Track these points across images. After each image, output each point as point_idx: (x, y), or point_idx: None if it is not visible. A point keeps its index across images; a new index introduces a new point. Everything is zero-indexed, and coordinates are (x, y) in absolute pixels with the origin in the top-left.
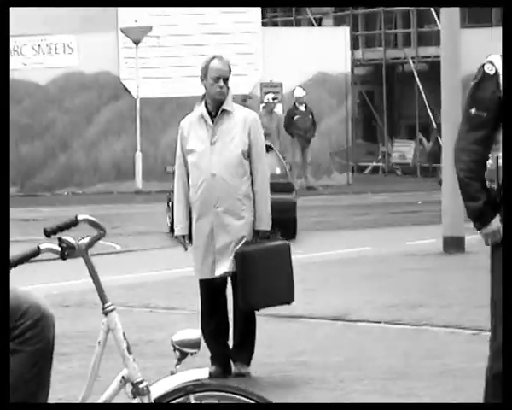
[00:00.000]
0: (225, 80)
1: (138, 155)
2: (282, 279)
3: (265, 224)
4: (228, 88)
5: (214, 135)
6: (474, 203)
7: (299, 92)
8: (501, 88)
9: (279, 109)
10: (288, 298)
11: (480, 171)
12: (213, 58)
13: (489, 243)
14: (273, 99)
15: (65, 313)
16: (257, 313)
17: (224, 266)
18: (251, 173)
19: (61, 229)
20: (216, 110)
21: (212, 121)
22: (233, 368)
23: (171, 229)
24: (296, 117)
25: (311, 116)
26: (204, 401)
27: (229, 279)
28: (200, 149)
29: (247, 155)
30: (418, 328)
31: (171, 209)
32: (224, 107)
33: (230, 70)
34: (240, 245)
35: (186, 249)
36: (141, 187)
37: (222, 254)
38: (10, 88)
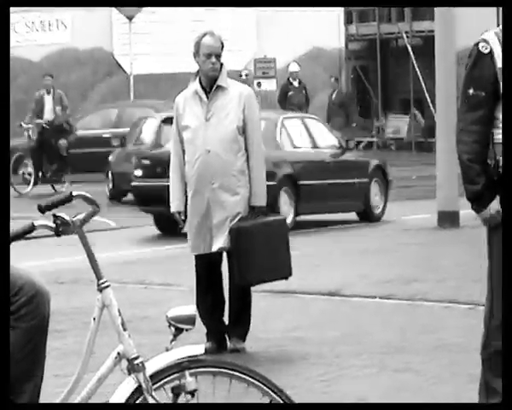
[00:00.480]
0: (217, 56)
1: None
2: (279, 254)
3: (261, 199)
4: (221, 64)
5: (209, 111)
6: (472, 186)
7: (294, 67)
8: (497, 65)
9: (273, 85)
10: (284, 273)
11: (481, 151)
12: (205, 34)
13: (487, 224)
14: (246, 75)
15: (60, 290)
16: (252, 288)
17: (220, 242)
18: (246, 149)
19: (55, 205)
20: (210, 86)
21: (207, 97)
22: (228, 344)
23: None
24: (290, 93)
25: (304, 91)
26: (199, 378)
27: (224, 255)
28: (194, 126)
29: (242, 130)
30: (413, 303)
31: (112, 178)
32: (219, 83)
33: (223, 46)
34: (235, 221)
35: (182, 227)
36: None
37: (218, 230)
38: None
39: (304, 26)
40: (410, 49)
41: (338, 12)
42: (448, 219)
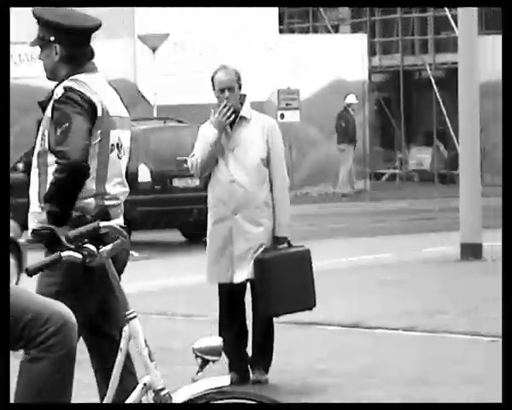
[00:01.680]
0: (231, 89)
1: None
2: (303, 285)
3: (284, 230)
4: (244, 95)
5: (233, 142)
6: None
7: (352, 99)
8: None
9: (296, 116)
10: (309, 304)
11: None
12: (218, 70)
13: None
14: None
15: None
16: (275, 320)
17: (243, 273)
18: (270, 180)
19: (83, 236)
20: (233, 117)
21: (231, 128)
22: (251, 375)
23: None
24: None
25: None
26: None
27: (248, 286)
28: (219, 155)
29: (266, 162)
30: (436, 335)
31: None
32: (242, 114)
33: (239, 78)
34: (259, 252)
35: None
36: None
37: (241, 261)
38: (30, 95)
39: (327, 58)
40: (433, 81)
41: (361, 43)
42: (471, 251)
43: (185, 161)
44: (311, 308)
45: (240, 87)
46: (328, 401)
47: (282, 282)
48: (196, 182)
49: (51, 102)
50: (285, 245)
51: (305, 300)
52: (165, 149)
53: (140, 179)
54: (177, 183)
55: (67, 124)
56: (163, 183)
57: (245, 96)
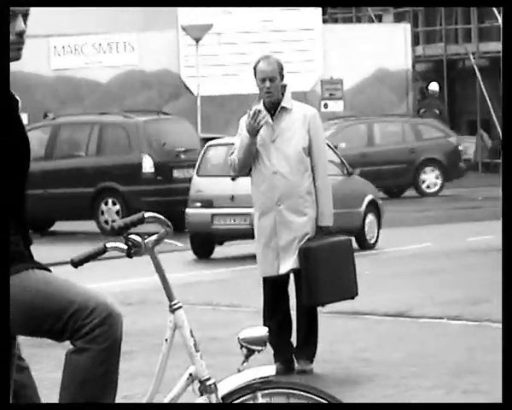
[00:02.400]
0: (272, 80)
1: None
2: (346, 274)
3: (328, 220)
4: (285, 85)
5: (274, 132)
6: None
7: (435, 86)
8: None
9: (340, 106)
10: (351, 293)
11: None
12: (260, 60)
13: None
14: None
15: (127, 311)
16: (319, 309)
17: (289, 263)
18: (312, 170)
19: (128, 226)
20: (275, 108)
21: (272, 119)
22: (296, 365)
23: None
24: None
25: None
26: (272, 399)
27: (291, 276)
28: (261, 148)
29: (308, 151)
30: (481, 324)
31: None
32: (283, 104)
33: (282, 68)
34: (303, 241)
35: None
36: None
37: (286, 252)
38: (72, 87)
39: (370, 47)
40: (476, 70)
41: (404, 32)
42: None
43: (184, 152)
44: (353, 297)
45: (282, 78)
46: (372, 391)
47: (327, 271)
48: (192, 173)
49: None
50: (328, 234)
51: (348, 289)
52: (164, 140)
53: (144, 170)
54: (176, 174)
55: None
56: (165, 174)
57: (286, 86)
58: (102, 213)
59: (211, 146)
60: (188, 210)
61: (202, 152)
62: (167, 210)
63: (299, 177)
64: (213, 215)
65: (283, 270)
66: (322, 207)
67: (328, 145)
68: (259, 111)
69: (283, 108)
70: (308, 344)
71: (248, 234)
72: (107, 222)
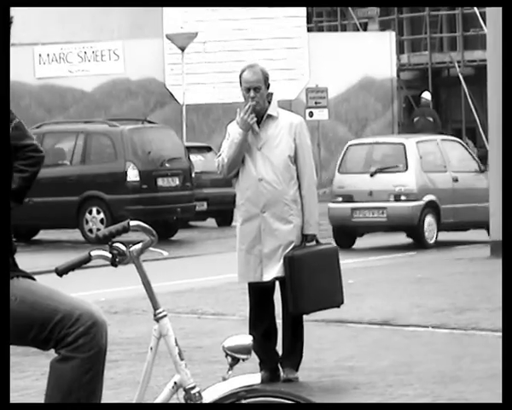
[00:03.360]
0: (256, 89)
1: None
2: (331, 283)
3: (313, 228)
4: (271, 93)
5: (261, 140)
6: None
7: (428, 95)
8: None
9: (325, 114)
10: (337, 301)
11: None
12: (245, 69)
13: None
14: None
15: (112, 320)
16: (305, 317)
17: (273, 271)
18: (298, 178)
19: (112, 235)
20: (261, 116)
21: (258, 127)
22: (281, 374)
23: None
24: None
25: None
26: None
27: (277, 284)
28: (247, 154)
29: (294, 159)
30: (466, 332)
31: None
32: (269, 112)
33: (267, 77)
34: (288, 249)
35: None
36: None
37: (270, 259)
38: (57, 95)
39: (355, 56)
40: (461, 78)
41: (390, 40)
42: (501, 248)
43: (168, 161)
44: (339, 306)
45: (267, 86)
46: (358, 400)
47: (312, 279)
48: (177, 181)
49: None
50: (313, 243)
51: (334, 297)
52: (149, 149)
53: (129, 179)
54: (160, 182)
55: (16, 119)
56: (150, 182)
57: (272, 94)
58: (87, 221)
59: (351, 146)
60: (330, 204)
61: (343, 151)
62: (152, 219)
63: (284, 185)
64: (353, 209)
65: (267, 277)
66: (307, 215)
67: (461, 143)
68: (250, 105)
69: (269, 115)
70: (294, 353)
71: (385, 226)
72: (91, 231)
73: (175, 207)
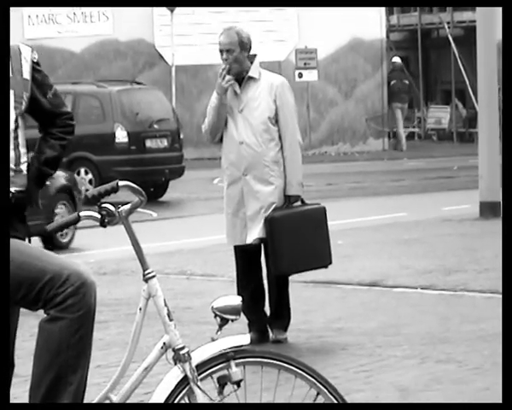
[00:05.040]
0: (229, 51)
1: None
2: (317, 243)
3: (295, 189)
4: (254, 55)
5: (241, 102)
6: None
7: (397, 59)
8: None
9: (314, 75)
10: (324, 262)
11: None
12: (222, 32)
13: None
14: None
15: (102, 281)
16: (293, 279)
17: (255, 233)
18: (280, 139)
19: (101, 195)
20: (242, 77)
21: (240, 89)
22: (270, 335)
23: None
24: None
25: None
26: (246, 368)
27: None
28: (230, 117)
29: (275, 120)
30: (455, 293)
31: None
32: (250, 74)
33: (242, 40)
34: (269, 211)
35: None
36: None
37: (252, 221)
38: (46, 56)
39: (345, 17)
40: (451, 39)
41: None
42: (490, 209)
43: (156, 122)
44: (326, 266)
45: (247, 49)
46: (346, 360)
47: (294, 240)
48: (165, 142)
49: (26, 63)
50: (298, 203)
51: (320, 258)
52: (137, 110)
53: (117, 140)
54: (149, 143)
55: (54, 86)
56: (138, 143)
57: (255, 55)
58: None
59: None
60: None
61: None
62: (140, 180)
63: (264, 146)
64: None
65: (250, 239)
66: (289, 176)
67: None
68: (224, 68)
69: (251, 77)
70: (281, 313)
71: None
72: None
73: (163, 169)
